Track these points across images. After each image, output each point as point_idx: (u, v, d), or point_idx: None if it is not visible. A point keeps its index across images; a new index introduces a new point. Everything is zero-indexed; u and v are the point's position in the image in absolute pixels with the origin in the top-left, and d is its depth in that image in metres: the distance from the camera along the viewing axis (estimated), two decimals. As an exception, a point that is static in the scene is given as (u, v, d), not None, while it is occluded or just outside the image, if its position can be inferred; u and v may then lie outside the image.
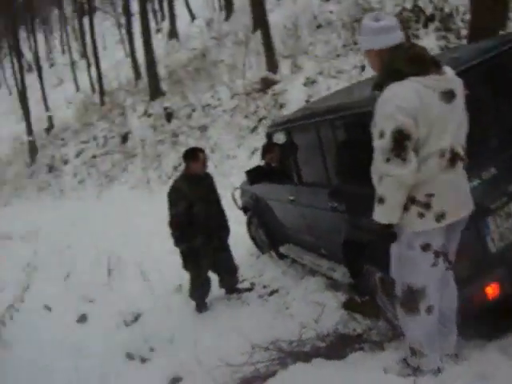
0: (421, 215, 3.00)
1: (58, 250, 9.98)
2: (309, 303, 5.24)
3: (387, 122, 2.89)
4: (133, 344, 5.77)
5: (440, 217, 2.99)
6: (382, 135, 2.91)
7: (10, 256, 10.93)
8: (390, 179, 2.90)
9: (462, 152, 3.04)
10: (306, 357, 3.94)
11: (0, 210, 23.40)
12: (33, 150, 27.51)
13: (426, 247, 3.06)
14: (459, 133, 3.05)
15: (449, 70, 3.06)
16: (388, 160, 2.88)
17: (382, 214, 3.01)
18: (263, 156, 6.34)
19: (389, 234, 3.07)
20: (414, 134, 2.87)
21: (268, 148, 6.21)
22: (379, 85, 3.05)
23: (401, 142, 2.85)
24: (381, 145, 2.91)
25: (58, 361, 5.80)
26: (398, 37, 3.05)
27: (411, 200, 2.99)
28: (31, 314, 6.66)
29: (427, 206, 2.99)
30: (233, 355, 4.44)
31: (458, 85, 3.04)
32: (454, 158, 2.99)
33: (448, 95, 2.95)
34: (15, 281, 7.98)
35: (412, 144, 2.88)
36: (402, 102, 2.86)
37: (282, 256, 6.61)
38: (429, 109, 2.88)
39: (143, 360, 5.58)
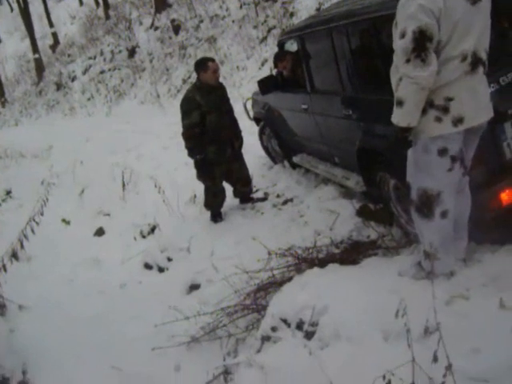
0: (438, 119, 2.96)
1: (71, 167, 10.03)
2: (323, 211, 5.30)
3: (409, 22, 2.81)
4: (150, 254, 5.89)
5: (458, 121, 2.95)
6: (403, 35, 2.83)
7: (25, 174, 11.03)
8: (409, 80, 2.85)
9: (484, 57, 2.97)
10: (321, 262, 4.01)
11: (11, 129, 23.45)
12: (39, 67, 27.22)
13: (442, 152, 3.03)
14: (483, 37, 2.96)
15: None
16: (408, 61, 2.82)
17: (400, 117, 2.98)
18: (275, 65, 6.20)
19: (406, 138, 3.04)
20: (436, 36, 2.80)
21: (280, 57, 6.06)
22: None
23: (422, 43, 2.78)
24: (402, 45, 2.84)
25: (77, 272, 5.98)
26: None
27: (429, 104, 2.95)
28: (49, 228, 6.80)
29: (445, 109, 2.94)
30: (249, 262, 4.55)
31: None
32: (475, 63, 2.92)
33: None
34: (32, 197, 8.11)
35: (433, 46, 2.81)
36: (425, 2, 2.76)
37: (295, 166, 6.62)
38: (453, 9, 2.79)
39: (161, 269, 5.72)
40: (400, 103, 2.94)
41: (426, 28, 2.77)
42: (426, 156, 3.09)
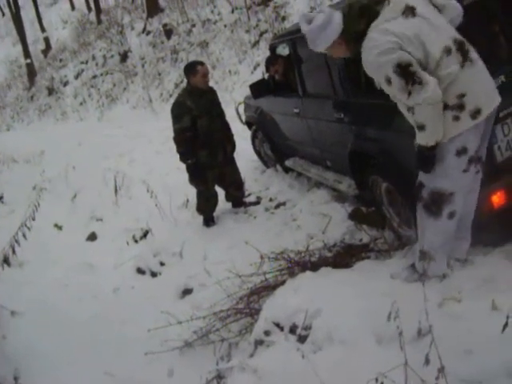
0: (456, 118, 2.97)
1: (63, 172, 10.00)
2: (315, 215, 5.30)
3: (385, 69, 2.94)
4: (143, 259, 5.88)
5: (476, 113, 2.97)
6: (389, 81, 2.95)
7: (16, 179, 10.98)
8: (421, 106, 2.89)
9: (464, 40, 3.02)
10: (314, 266, 4.02)
11: (2, 134, 23.38)
12: (31, 72, 27.16)
13: (461, 152, 3.03)
14: (448, 30, 3.05)
15: None
16: (410, 93, 2.89)
17: (427, 138, 3.00)
18: (267, 69, 6.21)
19: (434, 155, 3.05)
20: (412, 58, 2.89)
21: (272, 61, 6.07)
22: (357, 55, 3.11)
23: (407, 72, 2.87)
24: (395, 89, 2.95)
25: (70, 277, 5.94)
26: (335, 21, 3.12)
27: (444, 106, 2.96)
28: (42, 233, 6.78)
29: (461, 107, 2.96)
30: (242, 267, 4.54)
31: None
32: (462, 48, 2.97)
33: (409, 11, 3.01)
34: (24, 202, 8.08)
35: (417, 66, 2.89)
36: (380, 47, 2.93)
37: (287, 170, 6.62)
38: (404, 32, 2.93)
39: (154, 274, 5.71)
40: (422, 127, 2.96)
41: (400, 61, 2.88)
42: (442, 158, 3.09)
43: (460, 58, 2.95)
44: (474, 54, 3.01)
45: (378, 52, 2.93)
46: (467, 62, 2.96)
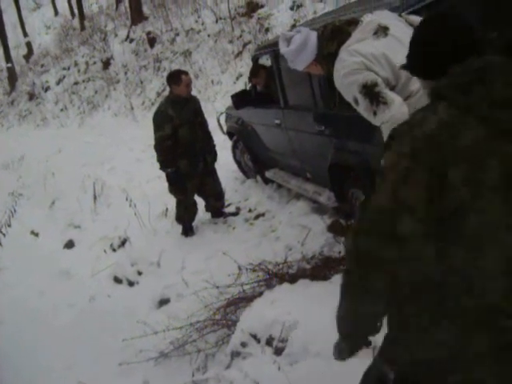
0: None
1: (42, 178, 9.90)
2: (294, 226, 5.30)
3: (351, 89, 2.98)
4: (120, 268, 5.83)
5: None
6: (356, 101, 2.99)
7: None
8: (388, 125, 2.90)
9: None
10: (292, 278, 4.01)
11: (-19, 138, 23.09)
12: (12, 77, 26.90)
13: None
14: None
15: (368, 15, 3.17)
16: (375, 113, 2.93)
17: None
18: (250, 79, 6.22)
19: None
20: (377, 77, 2.92)
21: (255, 71, 6.08)
22: (330, 74, 3.14)
23: (371, 92, 2.90)
24: (361, 108, 2.99)
25: (47, 284, 5.89)
26: (311, 43, 3.17)
27: None
28: (18, 239, 6.70)
29: None
30: (219, 277, 4.53)
31: (386, 16, 3.18)
32: None
33: (381, 31, 3.05)
34: (0, 209, 7.99)
35: (383, 85, 2.92)
36: (347, 67, 2.97)
37: (267, 181, 6.61)
38: (372, 52, 2.96)
39: (131, 283, 5.67)
40: None
41: (365, 80, 2.91)
42: None
43: None
44: None
45: (345, 73, 2.98)
46: None
